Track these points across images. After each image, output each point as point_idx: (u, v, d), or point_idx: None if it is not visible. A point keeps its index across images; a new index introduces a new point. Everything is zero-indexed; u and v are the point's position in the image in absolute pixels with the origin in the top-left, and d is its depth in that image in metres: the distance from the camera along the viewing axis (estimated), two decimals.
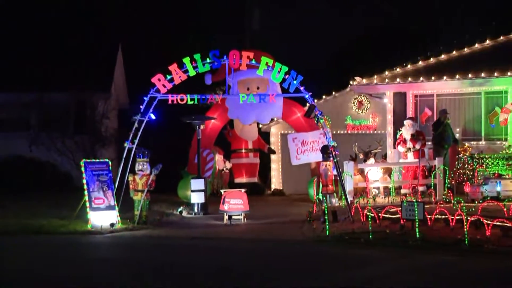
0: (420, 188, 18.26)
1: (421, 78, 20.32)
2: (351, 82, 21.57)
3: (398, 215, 13.89)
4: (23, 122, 24.82)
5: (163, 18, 32.95)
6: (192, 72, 16.84)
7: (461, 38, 22.76)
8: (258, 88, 20.99)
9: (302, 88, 16.88)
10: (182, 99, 16.82)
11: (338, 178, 16.94)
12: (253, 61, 17.02)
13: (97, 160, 16.78)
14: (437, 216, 13.86)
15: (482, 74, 19.54)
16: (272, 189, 24.23)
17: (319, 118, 17.04)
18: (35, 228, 15.04)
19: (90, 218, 15.31)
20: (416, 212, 12.94)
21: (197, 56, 16.77)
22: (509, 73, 19.25)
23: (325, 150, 16.81)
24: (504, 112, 18.81)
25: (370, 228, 13.25)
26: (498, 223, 12.54)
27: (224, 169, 23.03)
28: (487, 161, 18.60)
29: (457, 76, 19.86)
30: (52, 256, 12.28)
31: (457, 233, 12.63)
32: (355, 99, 23.83)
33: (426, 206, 13.56)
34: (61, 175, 23.69)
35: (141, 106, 16.91)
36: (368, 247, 12.52)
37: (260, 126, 24.23)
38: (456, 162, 19.02)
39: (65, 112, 24.57)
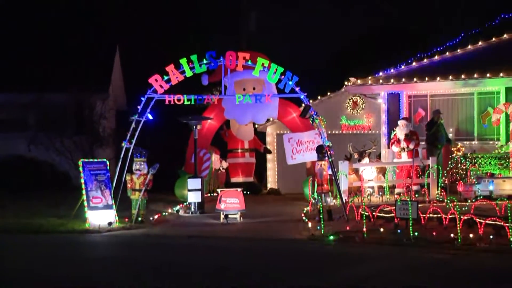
0: (414, 187, 18.27)
1: (415, 79, 20.34)
2: (346, 83, 21.59)
3: (392, 214, 13.91)
4: (22, 122, 24.76)
5: (163, 18, 32.81)
6: (189, 73, 16.83)
7: (461, 38, 22.78)
8: (254, 88, 20.97)
9: (297, 89, 16.88)
10: (179, 100, 16.81)
11: (333, 178, 16.94)
12: (249, 62, 17.02)
13: (95, 160, 16.75)
14: (431, 215, 13.88)
15: (475, 75, 19.56)
16: (268, 189, 24.23)
17: (314, 118, 17.04)
18: (34, 227, 15.03)
19: (88, 217, 15.29)
20: (410, 211, 12.95)
21: (193, 57, 16.76)
22: (501, 74, 19.28)
23: (320, 150, 16.80)
24: (497, 112, 18.83)
25: (364, 226, 13.25)
26: (490, 222, 12.56)
27: (221, 168, 23.01)
28: (480, 160, 18.62)
29: (450, 77, 19.87)
30: (51, 255, 12.26)
31: (450, 231, 12.66)
32: (349, 99, 23.84)
33: (419, 205, 13.58)
34: (60, 175, 23.64)
35: (138, 107, 16.88)
36: (363, 246, 12.53)
37: (256, 126, 24.23)
38: (449, 162, 19.04)
39: (63, 113, 24.51)
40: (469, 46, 21.49)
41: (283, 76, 16.80)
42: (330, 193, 17.87)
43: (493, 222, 12.52)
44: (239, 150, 23.59)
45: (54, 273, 10.52)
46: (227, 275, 10.19)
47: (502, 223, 12.24)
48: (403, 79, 20.53)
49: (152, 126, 18.02)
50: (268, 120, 23.42)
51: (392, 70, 21.28)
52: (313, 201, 17.16)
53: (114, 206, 15.76)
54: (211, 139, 22.27)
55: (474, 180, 17.19)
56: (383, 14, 33.30)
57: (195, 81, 18.84)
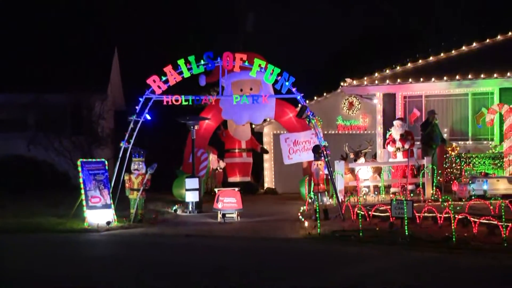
0: (409, 187, 18.27)
1: (410, 80, 20.36)
2: (342, 84, 21.60)
3: (387, 213, 13.91)
4: (21, 123, 24.71)
5: (163, 18, 32.68)
6: (186, 74, 16.80)
7: (459, 37, 22.79)
8: (251, 89, 20.95)
9: (294, 89, 16.87)
10: (177, 100, 16.78)
11: (329, 177, 16.94)
12: (246, 63, 17.00)
13: (94, 160, 16.73)
14: (426, 214, 13.89)
15: (469, 76, 19.58)
16: (265, 188, 24.23)
17: (310, 118, 17.04)
18: (33, 227, 15.00)
19: (87, 217, 15.27)
20: (405, 210, 12.94)
21: (191, 58, 16.74)
22: (495, 75, 19.31)
23: (316, 150, 16.79)
24: (491, 112, 18.85)
25: (360, 226, 13.25)
26: (484, 221, 12.57)
27: (218, 168, 23.00)
28: (474, 160, 18.65)
29: (445, 78, 19.89)
30: (50, 254, 12.23)
31: (445, 230, 12.67)
32: (345, 100, 23.84)
33: (415, 204, 13.56)
34: (59, 175, 23.60)
35: (136, 107, 16.86)
36: (359, 245, 12.53)
37: (253, 126, 24.23)
38: (444, 162, 19.06)
39: (62, 113, 24.49)
40: (464, 47, 21.52)
41: (279, 77, 16.79)
42: (326, 193, 17.84)
43: (487, 221, 12.53)
44: (236, 150, 23.57)
45: (53, 272, 10.50)
46: (225, 274, 10.17)
47: (496, 222, 12.25)
48: (399, 80, 20.55)
49: (150, 126, 17.99)
50: (265, 120, 23.42)
51: (387, 71, 21.30)
52: (310, 200, 17.16)
53: (112, 205, 15.74)
54: (209, 139, 22.26)
55: (469, 179, 17.20)
56: (381, 14, 33.15)
57: (193, 81, 18.80)
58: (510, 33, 21.46)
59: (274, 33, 32.48)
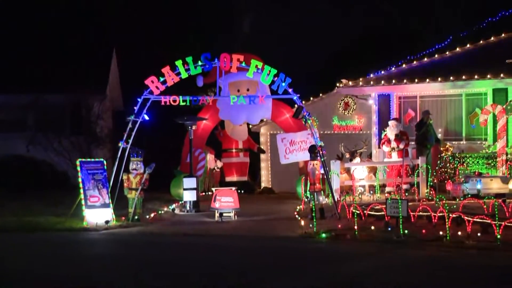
0: (404, 186, 18.29)
1: (405, 81, 20.38)
2: (337, 84, 21.60)
3: (382, 212, 13.90)
4: (21, 123, 24.68)
5: (163, 19, 32.57)
6: (184, 75, 16.79)
7: (449, 41, 22.79)
8: (248, 90, 20.95)
9: (290, 90, 16.87)
10: (174, 101, 16.77)
11: (325, 177, 16.94)
12: (243, 64, 16.99)
13: (93, 160, 16.71)
14: (420, 213, 13.90)
15: (463, 77, 19.61)
16: (261, 187, 24.21)
17: (306, 118, 17.03)
18: (33, 226, 14.97)
19: (86, 216, 15.25)
20: (400, 209, 12.95)
21: (189, 59, 16.73)
22: (488, 76, 19.34)
23: (312, 150, 16.80)
24: (484, 113, 18.87)
25: (356, 224, 13.26)
26: (478, 220, 12.59)
27: (215, 168, 22.97)
28: (468, 160, 18.68)
29: (439, 79, 19.92)
30: (49, 253, 12.20)
31: (439, 229, 12.67)
32: (341, 100, 23.84)
33: (409, 203, 13.57)
34: (58, 175, 23.57)
35: (135, 107, 16.84)
36: (354, 243, 12.54)
37: (250, 126, 24.21)
38: (438, 161, 19.08)
39: (61, 113, 24.47)
40: (458, 49, 21.55)
41: (276, 78, 16.78)
42: (322, 192, 17.87)
43: (480, 220, 12.54)
44: (234, 150, 23.56)
45: (52, 271, 10.47)
46: (223, 273, 10.14)
47: (489, 221, 12.26)
48: (393, 81, 20.57)
49: (149, 127, 17.97)
50: (261, 120, 23.41)
51: (382, 72, 21.32)
52: (306, 199, 17.16)
53: (111, 204, 15.72)
54: (206, 139, 22.25)
55: (463, 179, 17.23)
56: (381, 14, 33.02)
57: (191, 82, 18.78)
58: (503, 34, 21.50)
59: (274, 33, 32.40)
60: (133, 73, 24.22)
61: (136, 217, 15.73)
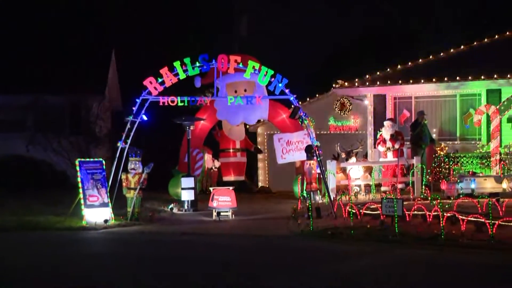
0: (399, 186, 18.32)
1: (400, 81, 20.41)
2: (334, 85, 21.62)
3: (378, 211, 13.93)
4: (21, 123, 24.60)
5: (162, 19, 32.46)
6: (182, 75, 16.78)
7: (444, 42, 22.84)
8: (245, 90, 20.92)
9: (287, 91, 16.87)
10: (172, 101, 16.76)
11: (321, 176, 16.94)
12: (241, 65, 16.99)
13: (92, 160, 16.69)
14: (415, 212, 13.92)
15: (457, 78, 19.65)
16: (258, 187, 24.20)
17: (303, 119, 17.04)
18: (33, 225, 14.95)
19: (85, 215, 15.24)
20: (395, 208, 12.97)
21: (187, 60, 16.73)
22: (482, 77, 19.38)
23: (309, 150, 16.79)
24: (478, 113, 18.91)
25: (351, 223, 13.26)
26: (472, 219, 12.63)
27: (213, 167, 22.96)
28: (462, 160, 18.71)
29: (434, 80, 19.96)
30: (48, 252, 12.18)
31: (434, 228, 12.70)
32: (337, 101, 23.84)
33: (404, 202, 13.59)
34: (58, 174, 23.49)
35: (133, 108, 16.83)
36: (350, 242, 12.54)
37: (247, 126, 24.20)
38: (433, 161, 19.11)
39: (60, 113, 24.41)
40: (452, 50, 21.58)
41: (273, 79, 16.79)
42: (318, 191, 17.86)
43: (474, 219, 12.57)
44: (231, 150, 23.53)
45: (52, 269, 10.46)
46: (222, 272, 10.13)
47: (483, 220, 12.28)
48: (389, 82, 20.60)
49: (147, 127, 17.96)
50: (259, 121, 23.39)
51: (378, 73, 21.34)
52: (302, 199, 17.15)
53: (110, 204, 15.71)
54: (204, 139, 22.21)
55: (457, 178, 17.25)
56: (381, 14, 32.89)
57: (188, 83, 18.78)
58: (496, 36, 21.55)
59: (273, 34, 32.30)
60: (132, 74, 24.17)
61: (134, 216, 15.72)
